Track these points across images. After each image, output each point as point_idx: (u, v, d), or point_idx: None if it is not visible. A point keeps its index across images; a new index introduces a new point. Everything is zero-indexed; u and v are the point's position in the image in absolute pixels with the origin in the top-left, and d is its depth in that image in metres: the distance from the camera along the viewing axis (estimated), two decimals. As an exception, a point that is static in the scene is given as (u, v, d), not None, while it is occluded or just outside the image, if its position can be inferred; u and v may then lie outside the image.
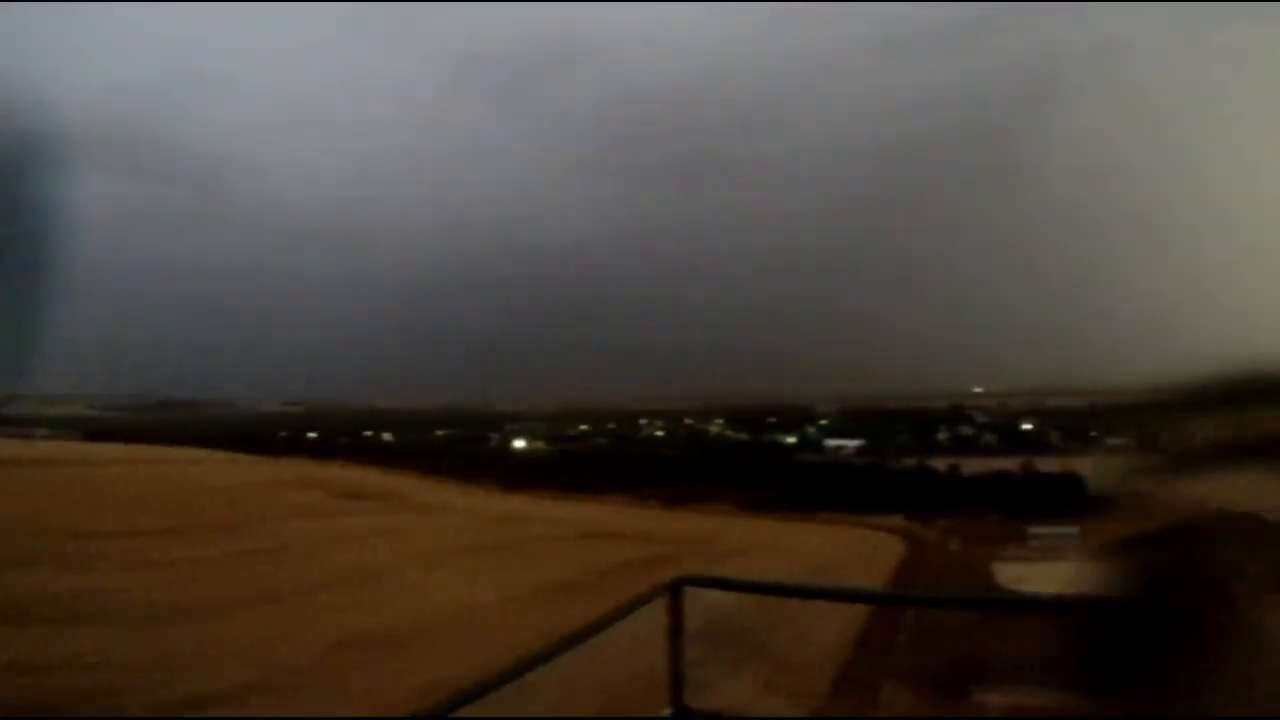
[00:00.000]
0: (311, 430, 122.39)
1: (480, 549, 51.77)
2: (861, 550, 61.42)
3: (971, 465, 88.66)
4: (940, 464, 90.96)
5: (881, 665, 32.02)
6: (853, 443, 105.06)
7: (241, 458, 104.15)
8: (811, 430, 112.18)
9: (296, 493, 74.93)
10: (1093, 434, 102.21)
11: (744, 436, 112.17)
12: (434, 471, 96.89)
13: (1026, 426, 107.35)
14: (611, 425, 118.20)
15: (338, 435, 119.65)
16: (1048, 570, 52.90)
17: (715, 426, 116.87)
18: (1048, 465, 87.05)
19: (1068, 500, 75.04)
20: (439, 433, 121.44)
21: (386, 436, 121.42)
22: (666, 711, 4.56)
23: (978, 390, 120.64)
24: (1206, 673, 1.88)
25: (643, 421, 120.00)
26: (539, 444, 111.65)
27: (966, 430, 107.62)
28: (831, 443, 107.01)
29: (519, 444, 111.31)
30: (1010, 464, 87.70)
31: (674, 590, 4.51)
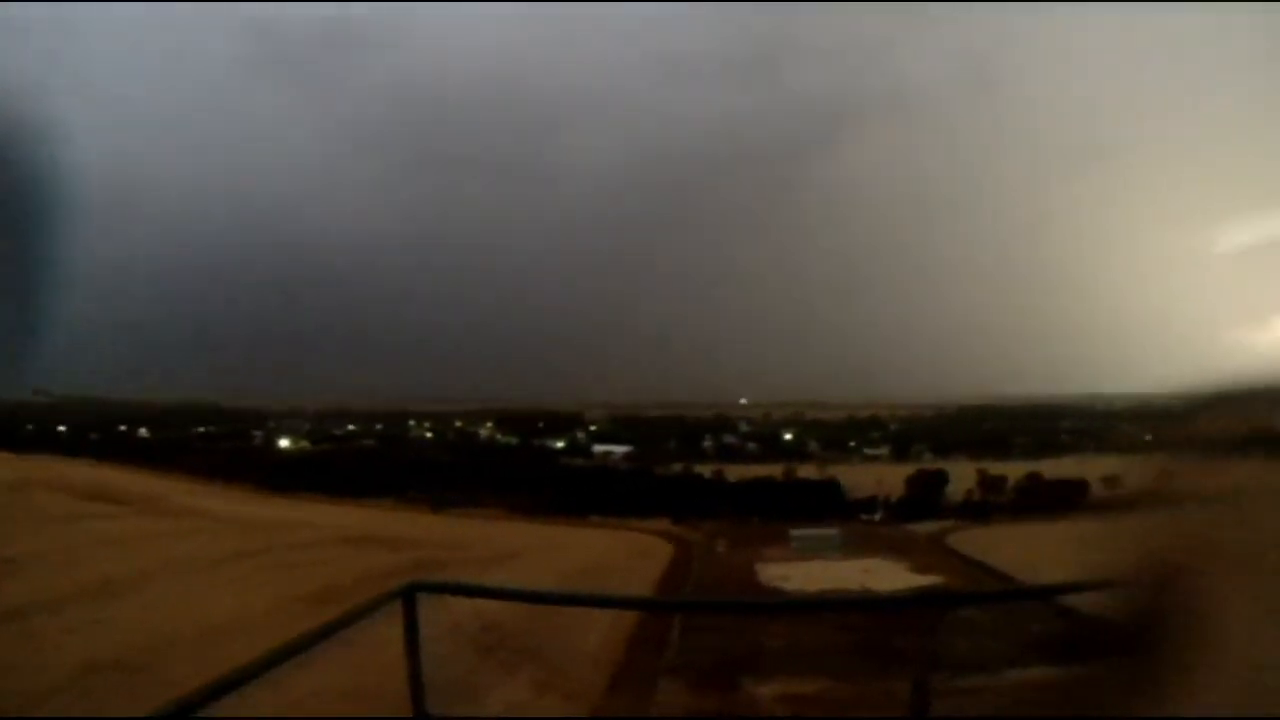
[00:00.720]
0: (60, 424, 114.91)
1: (240, 556, 49.61)
2: (630, 553, 62.21)
3: (736, 471, 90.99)
4: (706, 470, 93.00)
5: (655, 662, 32.55)
6: (621, 448, 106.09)
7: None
8: (581, 436, 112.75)
9: (39, 495, 70.08)
10: (850, 444, 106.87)
11: (514, 440, 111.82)
12: (193, 471, 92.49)
13: (788, 436, 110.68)
14: (379, 426, 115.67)
15: (88, 430, 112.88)
16: (808, 568, 55.16)
17: (485, 429, 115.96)
18: (808, 472, 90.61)
19: (826, 504, 78.67)
20: (200, 429, 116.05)
21: (143, 432, 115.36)
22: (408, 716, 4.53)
23: (743, 401, 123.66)
24: (1197, 655, 1.89)
25: (411, 423, 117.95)
26: (304, 444, 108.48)
27: (731, 439, 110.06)
28: (600, 448, 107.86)
29: (284, 443, 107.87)
30: (773, 470, 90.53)
31: (407, 597, 4.51)
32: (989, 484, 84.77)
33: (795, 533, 64.37)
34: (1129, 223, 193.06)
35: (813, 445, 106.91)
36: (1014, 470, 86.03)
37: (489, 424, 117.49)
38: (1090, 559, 2.37)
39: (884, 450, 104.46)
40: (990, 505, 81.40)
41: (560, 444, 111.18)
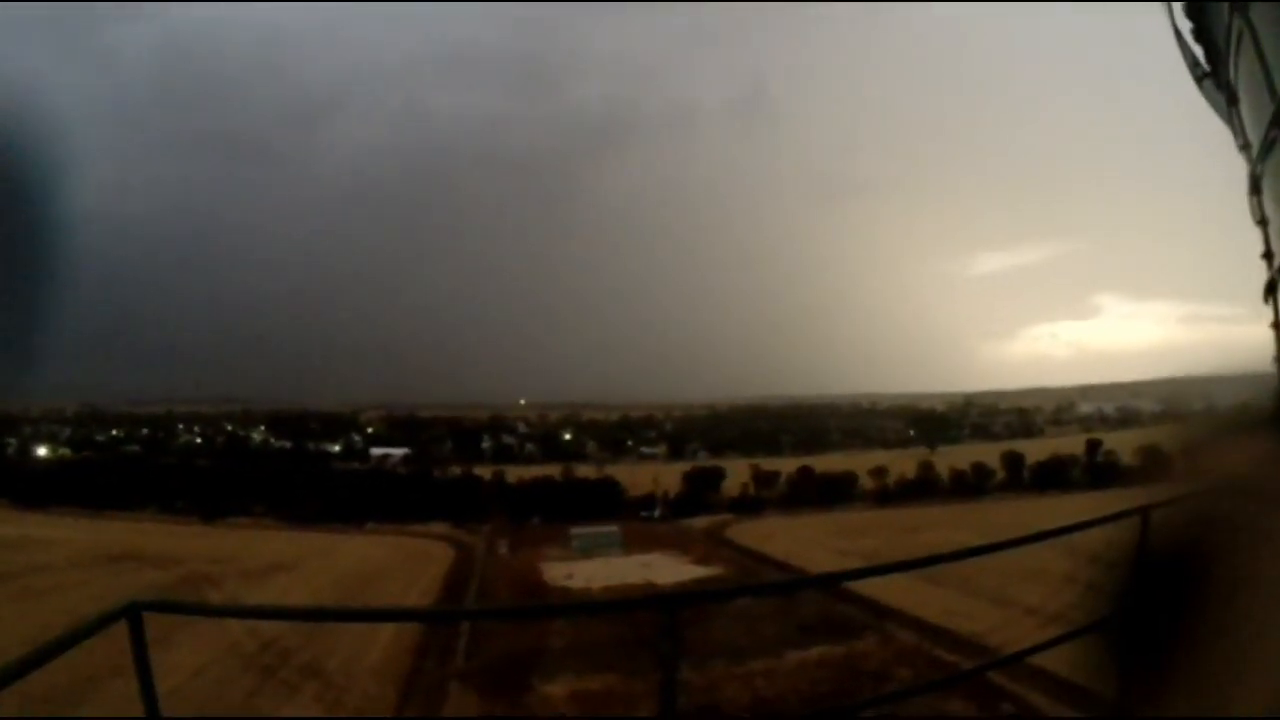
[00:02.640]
0: None
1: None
2: (411, 558, 61.57)
3: (515, 473, 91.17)
4: (485, 472, 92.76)
5: (443, 669, 32.50)
6: (398, 451, 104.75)
7: None
8: (357, 439, 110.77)
9: None
10: (627, 443, 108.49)
11: (287, 444, 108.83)
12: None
13: (566, 436, 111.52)
14: (144, 430, 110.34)
15: None
16: (591, 566, 55.89)
17: (257, 434, 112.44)
18: (586, 472, 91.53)
19: (605, 503, 79.71)
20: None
21: None
22: None
23: (521, 402, 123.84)
24: (1227, 629, 1.96)
25: (180, 426, 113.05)
26: (64, 451, 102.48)
27: (509, 439, 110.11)
28: (376, 451, 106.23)
29: (42, 451, 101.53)
30: (552, 471, 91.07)
31: (131, 616, 4.22)
32: (762, 479, 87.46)
33: (576, 531, 65.07)
34: (892, 247, 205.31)
35: (590, 445, 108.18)
36: (786, 465, 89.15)
37: (261, 428, 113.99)
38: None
39: (660, 449, 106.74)
40: (764, 499, 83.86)
41: (336, 448, 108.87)
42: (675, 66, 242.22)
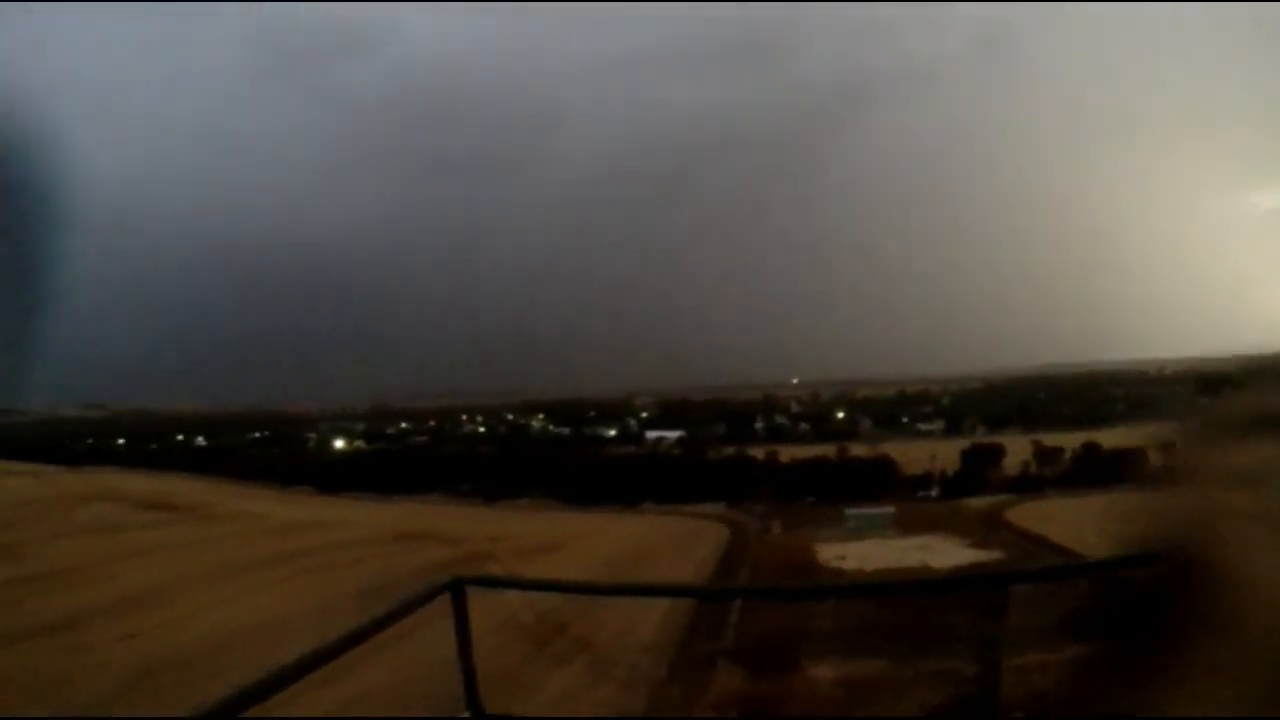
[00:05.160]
0: (118, 436, 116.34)
1: (292, 556, 49.87)
2: (685, 538, 61.99)
3: (788, 453, 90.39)
4: (758, 452, 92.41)
5: (712, 647, 32.30)
6: (672, 434, 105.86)
7: (34, 468, 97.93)
8: (632, 423, 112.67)
9: (96, 506, 70.75)
10: (903, 420, 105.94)
11: (565, 431, 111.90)
12: (248, 476, 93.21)
13: (839, 415, 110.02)
14: (431, 423, 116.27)
15: (146, 441, 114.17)
16: (864, 547, 54.68)
17: (536, 421, 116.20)
18: (860, 451, 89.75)
19: (880, 482, 77.92)
20: (255, 435, 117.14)
21: (200, 440, 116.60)
22: (465, 715, 4.41)
23: (794, 381, 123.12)
24: (1220, 632, 1.83)
25: (463, 418, 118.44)
26: (359, 443, 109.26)
27: (781, 420, 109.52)
28: (651, 435, 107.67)
29: (339, 444, 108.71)
30: (825, 450, 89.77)
31: (454, 590, 4.34)
32: (1045, 455, 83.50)
33: (850, 512, 63.87)
34: (1169, 189, 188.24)
35: (864, 423, 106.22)
36: (1069, 441, 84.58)
37: (540, 416, 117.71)
38: (1126, 532, 2.38)
39: (937, 425, 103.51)
40: (1046, 478, 79.98)
41: (611, 432, 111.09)
42: (905, 16, 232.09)
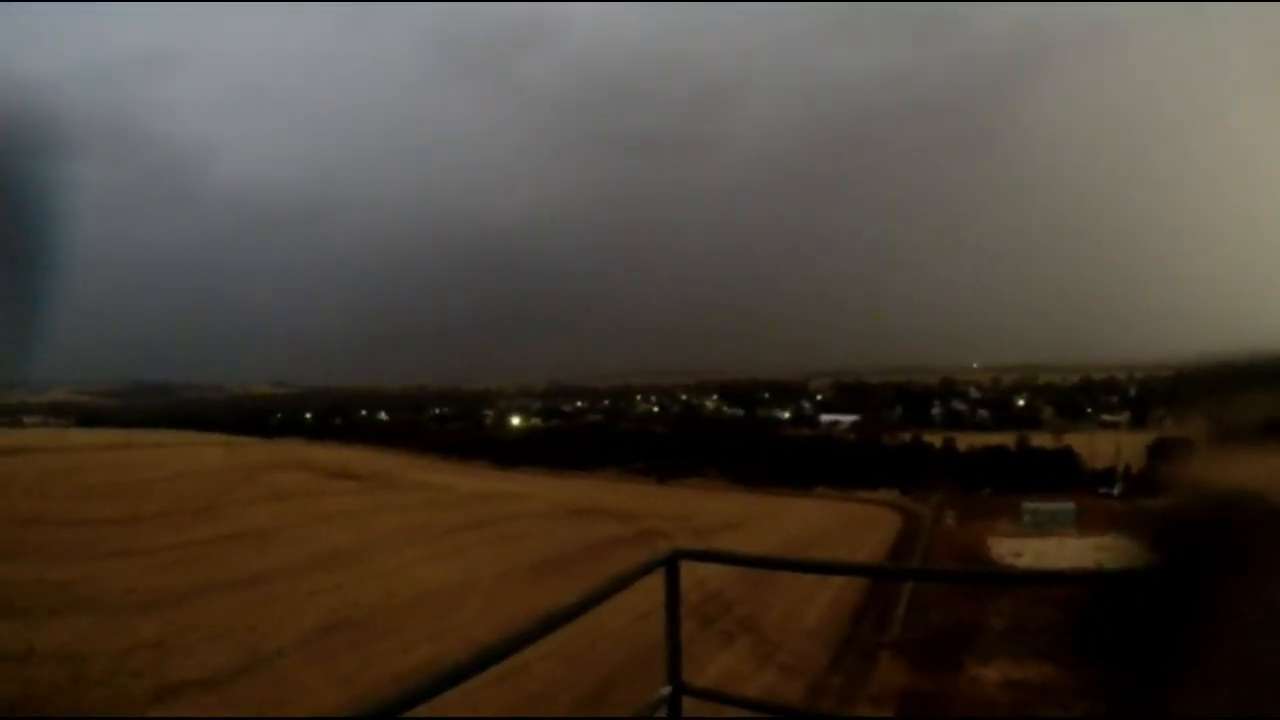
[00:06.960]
0: (306, 411, 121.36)
1: (469, 526, 51.35)
2: (856, 524, 61.22)
3: (966, 440, 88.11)
4: (934, 439, 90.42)
5: (877, 637, 31.87)
6: (847, 418, 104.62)
7: (232, 440, 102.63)
8: (806, 405, 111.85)
9: (286, 475, 74.08)
10: (1087, 409, 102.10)
11: (739, 412, 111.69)
12: (429, 450, 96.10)
13: (1020, 402, 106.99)
14: (606, 401, 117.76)
15: (332, 416, 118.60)
16: (1041, 544, 52.88)
17: (710, 402, 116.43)
18: (1041, 440, 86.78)
19: (1061, 475, 75.11)
20: (435, 411, 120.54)
21: (382, 416, 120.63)
22: (665, 688, 4.10)
23: (974, 366, 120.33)
24: (1223, 646, 1.73)
25: (637, 397, 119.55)
26: (535, 421, 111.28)
27: (960, 406, 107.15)
28: (826, 418, 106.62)
29: (515, 421, 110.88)
30: (1004, 439, 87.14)
31: (669, 564, 4.04)
32: (1237, 451, 78.99)
33: (1028, 506, 61.73)
34: None
35: (1046, 411, 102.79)
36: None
37: (714, 396, 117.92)
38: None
39: (1122, 416, 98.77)
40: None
41: (785, 414, 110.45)
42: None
